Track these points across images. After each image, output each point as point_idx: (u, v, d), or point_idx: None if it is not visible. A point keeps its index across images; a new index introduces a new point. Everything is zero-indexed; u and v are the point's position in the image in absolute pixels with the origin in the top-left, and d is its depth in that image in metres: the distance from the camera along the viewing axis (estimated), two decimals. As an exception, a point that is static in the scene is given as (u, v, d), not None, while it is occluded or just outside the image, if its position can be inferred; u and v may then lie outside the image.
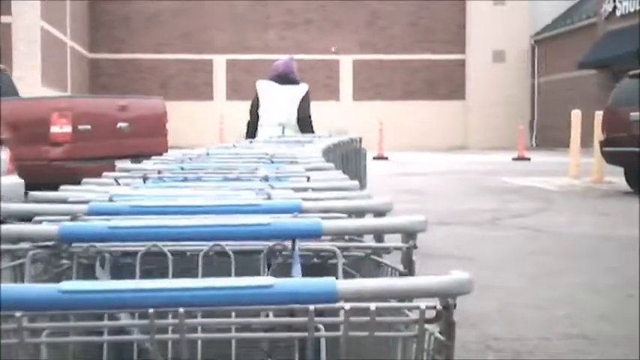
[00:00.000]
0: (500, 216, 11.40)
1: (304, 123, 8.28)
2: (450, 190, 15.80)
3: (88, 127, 10.57)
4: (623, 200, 13.25)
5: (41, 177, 9.34)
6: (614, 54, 36.91)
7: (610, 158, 15.08)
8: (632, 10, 36.72)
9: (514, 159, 28.50)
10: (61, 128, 10.19)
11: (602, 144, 15.33)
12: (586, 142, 40.62)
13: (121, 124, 11.08)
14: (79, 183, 2.40)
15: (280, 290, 1.15)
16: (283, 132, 7.99)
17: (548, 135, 46.25)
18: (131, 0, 46.15)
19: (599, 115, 17.02)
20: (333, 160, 4.85)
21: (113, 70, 45.80)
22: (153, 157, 3.47)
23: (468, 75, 48.25)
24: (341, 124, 43.66)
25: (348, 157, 7.02)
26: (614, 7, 38.25)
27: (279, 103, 8.22)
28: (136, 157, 10.63)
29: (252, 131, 8.33)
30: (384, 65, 47.40)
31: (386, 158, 29.22)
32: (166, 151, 11.39)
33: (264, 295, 1.14)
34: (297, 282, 1.18)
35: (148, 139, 11.38)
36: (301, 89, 8.43)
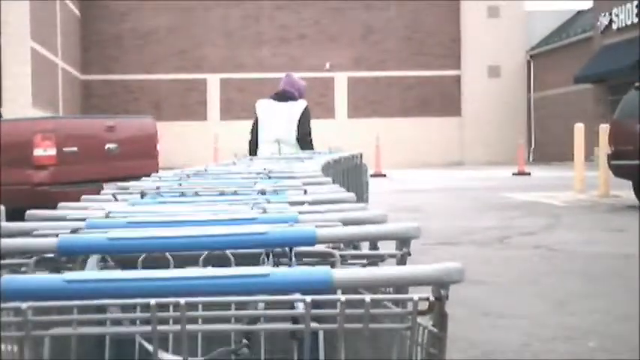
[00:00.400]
0: (508, 234, 10.88)
1: (304, 140, 8.23)
2: (451, 207, 15.29)
3: (74, 149, 9.97)
4: (635, 215, 12.72)
5: (24, 202, 8.80)
6: (610, 68, 36.51)
7: (618, 171, 14.60)
8: (628, 23, 36.34)
9: (514, 174, 28.01)
10: (45, 151, 9.59)
11: (610, 157, 14.84)
12: (587, 156, 40.29)
13: (109, 146, 10.47)
14: None
15: (276, 279, 1.16)
16: (280, 148, 8.03)
17: (545, 150, 45.89)
18: (123, 18, 45.75)
19: (604, 128, 16.54)
20: (333, 176, 4.88)
21: (105, 90, 45.35)
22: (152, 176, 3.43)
23: (464, 91, 47.88)
24: (336, 141, 43.06)
25: (349, 174, 6.98)
26: (611, 21, 37.87)
27: (276, 120, 8.24)
28: (125, 180, 10.12)
29: (253, 149, 8.34)
30: (379, 82, 47.00)
31: (384, 175, 28.73)
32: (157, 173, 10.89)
33: (260, 283, 1.16)
34: (293, 271, 1.22)
35: (137, 161, 10.78)
36: (299, 106, 8.37)
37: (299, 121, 8.24)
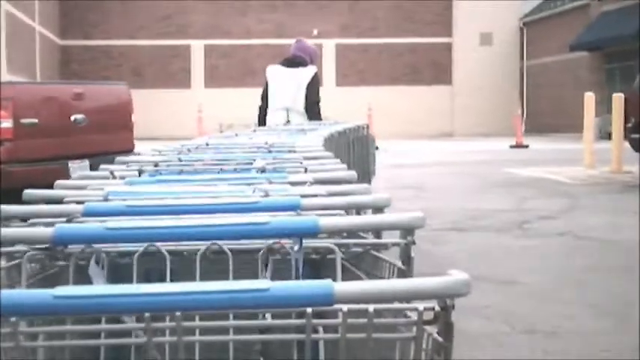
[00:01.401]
0: (525, 218, 9.72)
1: (312, 109, 7.91)
2: (453, 184, 14.10)
3: (34, 120, 8.55)
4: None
5: (-24, 183, 7.59)
6: (607, 35, 35.29)
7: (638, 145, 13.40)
8: (628, -12, 35.06)
9: (512, 146, 26.83)
10: (-1, 123, 8.25)
11: (629, 130, 13.67)
12: (579, 127, 39.14)
13: (75, 117, 8.93)
14: (21, 190, 2.12)
15: (276, 294, 1.14)
16: (288, 116, 7.79)
17: (538, 120, 44.68)
18: (104, -18, 44.20)
19: (618, 97, 15.37)
20: (337, 149, 4.96)
21: (85, 56, 43.87)
22: (151, 150, 3.26)
23: (455, 59, 46.64)
24: (324, 110, 41.95)
25: (355, 145, 6.80)
26: (609, -13, 36.57)
27: (284, 87, 7.96)
28: (95, 157, 8.78)
29: (262, 117, 8.11)
30: (368, 49, 45.70)
31: (376, 148, 27.48)
32: (132, 149, 9.49)
33: (260, 298, 1.14)
34: (293, 285, 1.18)
35: (109, 135, 9.31)
36: (308, 72, 8.04)
37: (307, 87, 7.91)
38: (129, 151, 8.88)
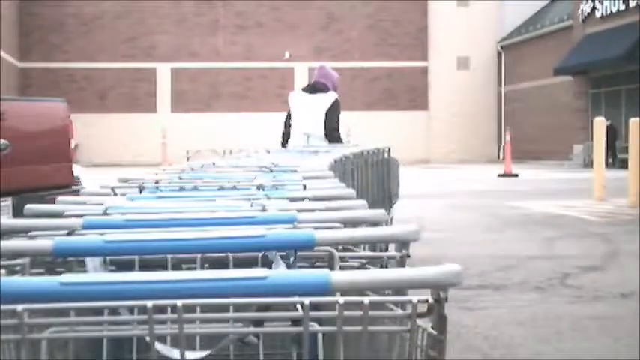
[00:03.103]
0: (562, 269, 7.89)
1: (332, 136, 7.88)
2: (462, 222, 12.25)
3: None
4: None
5: None
6: (594, 59, 33.80)
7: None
8: (614, 10, 33.63)
9: (500, 175, 25.08)
10: None
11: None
12: (564, 154, 37.67)
13: None
14: None
15: (274, 281, 1.17)
16: (308, 141, 7.82)
17: (519, 147, 43.00)
18: (67, 2, 42.22)
19: (636, 122, 13.68)
20: (351, 171, 5.25)
21: (46, 80, 41.95)
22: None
23: (431, 83, 45.14)
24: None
25: (375, 168, 6.81)
26: (593, 8, 35.13)
27: (304, 112, 8.05)
28: (21, 194, 6.72)
29: (284, 142, 8.14)
30: (342, 73, 43.84)
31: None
32: (70, 184, 7.37)
33: (258, 286, 1.16)
34: (291, 273, 1.22)
35: (41, 166, 7.09)
36: (328, 98, 8.03)
37: (326, 114, 7.94)
38: (66, 186, 6.91)
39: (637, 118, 14.00)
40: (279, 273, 1.19)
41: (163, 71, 43.30)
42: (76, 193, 7.88)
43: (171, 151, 32.91)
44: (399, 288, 1.27)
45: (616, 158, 31.98)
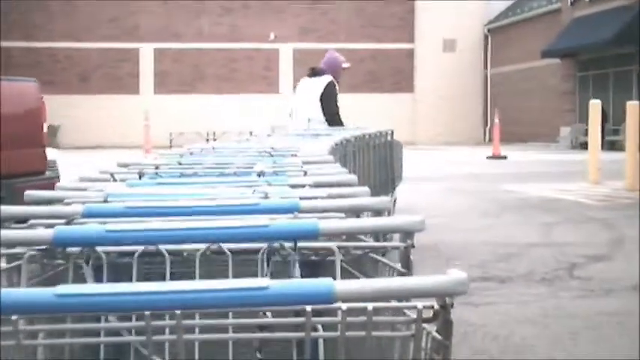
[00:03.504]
0: (567, 258, 7.55)
1: (332, 120, 7.85)
2: (457, 206, 11.90)
3: None
4: None
5: None
6: (582, 42, 33.46)
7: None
8: (603, -7, 33.24)
9: (489, 157, 24.76)
10: None
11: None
12: (551, 137, 37.41)
13: None
14: None
15: (276, 292, 1.14)
16: (309, 126, 7.66)
17: (505, 129, 42.67)
18: (48, -20, 41.57)
19: (634, 105, 13.37)
20: (352, 154, 5.25)
21: (28, 59, 41.23)
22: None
23: (417, 66, 44.74)
24: (281, 118, 39.77)
25: (377, 151, 6.68)
26: (583, -9, 34.72)
27: (304, 97, 8.12)
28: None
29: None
30: (327, 55, 43.57)
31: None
32: (43, 169, 6.88)
33: (260, 297, 1.14)
34: (293, 283, 1.18)
35: (8, 152, 6.47)
36: (322, 81, 8.10)
37: (322, 98, 7.97)
38: (38, 173, 6.48)
39: (635, 101, 13.69)
40: (281, 283, 1.15)
41: (146, 52, 42.74)
42: (50, 179, 7.41)
43: (154, 134, 32.38)
44: (404, 297, 1.25)
45: (604, 140, 31.74)
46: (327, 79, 8.21)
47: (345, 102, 35.62)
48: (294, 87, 8.38)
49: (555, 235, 9.00)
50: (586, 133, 34.16)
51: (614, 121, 31.72)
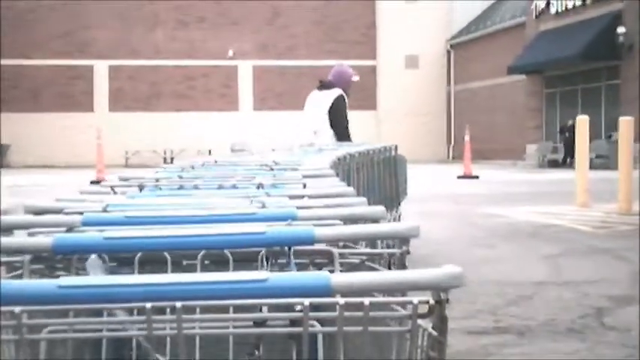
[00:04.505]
0: (591, 301, 6.40)
1: (341, 134, 7.94)
2: (437, 233, 10.70)
3: None
4: None
5: None
6: (549, 58, 32.62)
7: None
8: (569, 6, 32.48)
9: (460, 177, 23.71)
10: None
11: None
12: (517, 154, 36.51)
13: None
14: None
15: (274, 284, 1.15)
16: (315, 138, 7.75)
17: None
18: (-4, -5, 40.04)
19: (626, 121, 12.35)
20: (356, 170, 5.24)
21: (-26, 77, 39.57)
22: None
23: (380, 83, 43.80)
24: (241, 136, 38.63)
25: (381, 166, 6.72)
26: (548, 4, 33.96)
27: (311, 109, 8.20)
28: None
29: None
30: (287, 72, 42.54)
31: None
32: None
33: (258, 289, 1.15)
34: (291, 275, 1.21)
35: None
36: (331, 94, 8.12)
37: (330, 111, 8.04)
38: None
39: (629, 117, 12.67)
40: (279, 275, 1.17)
41: (101, 68, 41.36)
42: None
43: (109, 152, 30.98)
44: (399, 290, 1.25)
45: (573, 159, 30.94)
46: (336, 92, 8.21)
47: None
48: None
49: (563, 270, 7.85)
50: (553, 151, 33.65)
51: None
